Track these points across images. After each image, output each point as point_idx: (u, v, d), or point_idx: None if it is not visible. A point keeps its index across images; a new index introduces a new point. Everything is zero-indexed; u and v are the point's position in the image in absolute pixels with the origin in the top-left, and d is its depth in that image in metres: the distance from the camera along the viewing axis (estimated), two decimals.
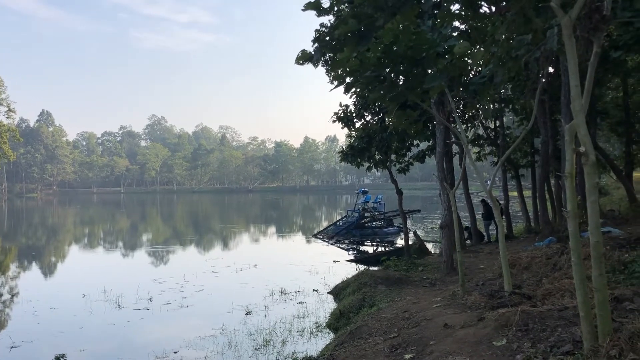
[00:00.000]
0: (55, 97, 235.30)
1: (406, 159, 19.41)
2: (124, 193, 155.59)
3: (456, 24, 7.02)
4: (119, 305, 13.75)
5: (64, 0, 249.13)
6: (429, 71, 7.10)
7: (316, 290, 14.65)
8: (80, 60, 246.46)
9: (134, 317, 12.68)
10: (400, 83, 7.49)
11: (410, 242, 17.98)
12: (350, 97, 17.15)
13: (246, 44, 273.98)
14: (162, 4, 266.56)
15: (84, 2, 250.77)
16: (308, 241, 29.01)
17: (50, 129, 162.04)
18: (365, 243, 26.82)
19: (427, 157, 19.79)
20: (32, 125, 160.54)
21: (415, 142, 19.16)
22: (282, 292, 14.50)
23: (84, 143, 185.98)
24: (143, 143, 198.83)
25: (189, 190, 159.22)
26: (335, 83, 7.33)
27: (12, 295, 16.20)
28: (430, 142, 18.34)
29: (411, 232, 20.02)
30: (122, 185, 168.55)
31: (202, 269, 19.23)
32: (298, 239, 31.41)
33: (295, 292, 14.51)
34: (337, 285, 14.46)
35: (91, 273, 20.34)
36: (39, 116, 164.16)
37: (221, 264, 20.43)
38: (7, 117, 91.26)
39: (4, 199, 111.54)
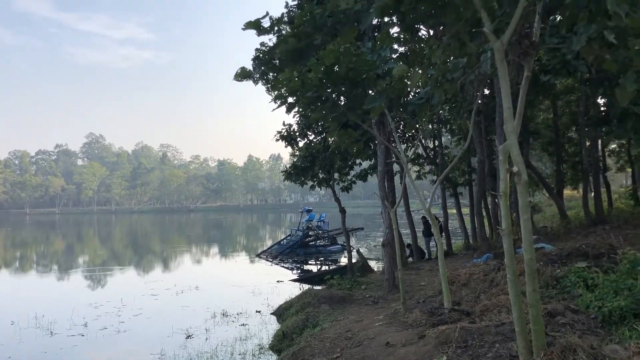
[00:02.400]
0: None
1: (349, 177, 19.61)
2: (60, 214, 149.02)
3: (395, 46, 7.19)
4: (51, 332, 13.07)
5: None
6: (370, 92, 7.22)
7: (259, 312, 14.43)
8: (10, 75, 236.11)
9: (67, 344, 12.06)
10: (342, 103, 7.56)
11: (353, 260, 18.05)
12: (294, 117, 17.24)
13: (185, 61, 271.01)
14: (96, 20, 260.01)
15: (10, 15, 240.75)
16: (251, 261, 28.64)
17: None
18: (309, 262, 26.74)
19: (369, 175, 20.06)
20: None
21: (357, 161, 19.39)
22: (224, 314, 14.20)
23: (17, 162, 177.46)
24: (80, 162, 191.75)
25: (128, 211, 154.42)
26: (278, 102, 7.34)
27: None
28: (372, 161, 18.61)
29: (354, 250, 20.13)
30: (58, 205, 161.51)
31: (140, 291, 18.59)
32: (241, 259, 30.96)
33: (237, 314, 14.24)
34: (281, 305, 14.31)
35: (21, 299, 19.26)
36: None
37: (161, 286, 19.84)
38: None
39: None
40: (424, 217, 21.70)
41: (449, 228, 22.26)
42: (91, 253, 39.95)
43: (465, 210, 22.87)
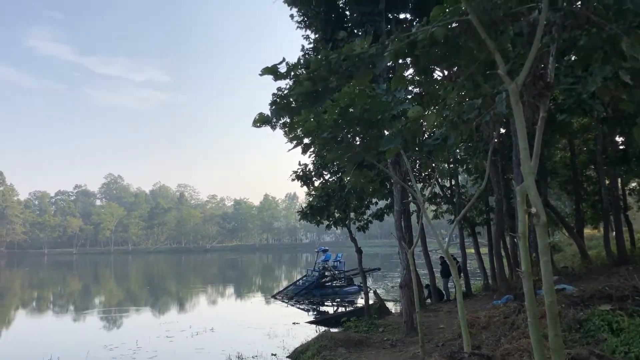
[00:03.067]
0: (7, 155, 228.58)
1: (365, 217, 19.53)
2: (77, 254, 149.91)
3: (410, 87, 7.25)
4: None
5: (14, 57, 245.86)
6: (385, 132, 7.25)
7: (275, 355, 14.21)
8: (32, 117, 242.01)
9: None
10: (357, 144, 7.60)
11: (370, 302, 17.80)
12: (309, 156, 17.35)
13: (201, 102, 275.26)
14: (116, 63, 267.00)
15: (34, 60, 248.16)
16: (267, 302, 28.38)
17: (1, 188, 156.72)
18: (326, 303, 26.42)
19: (385, 215, 19.96)
20: None
21: (373, 201, 19.34)
22: (239, 357, 14.00)
23: (36, 202, 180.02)
24: (98, 202, 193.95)
25: (145, 251, 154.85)
26: (294, 143, 7.39)
27: None
28: (389, 200, 18.55)
29: (371, 292, 19.88)
30: (75, 246, 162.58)
31: (156, 333, 18.46)
32: (257, 299, 30.71)
33: (253, 357, 14.03)
34: (297, 348, 14.07)
35: (37, 340, 19.22)
36: None
37: (176, 327, 19.69)
38: None
39: None
40: (442, 258, 21.43)
41: (468, 268, 21.95)
42: (107, 294, 39.95)
43: (484, 250, 22.58)
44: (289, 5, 17.56)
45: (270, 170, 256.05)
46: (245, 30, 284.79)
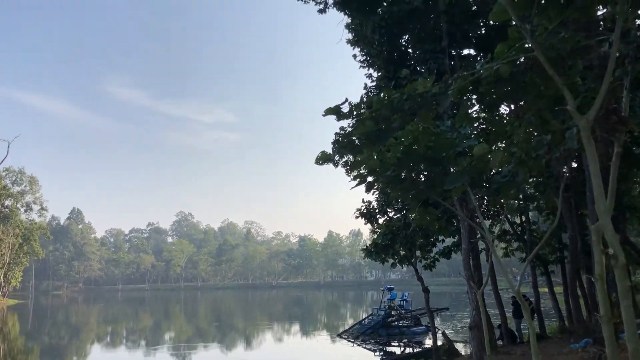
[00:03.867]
0: (85, 194, 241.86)
1: (432, 255, 19.08)
2: (149, 290, 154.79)
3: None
4: None
5: (92, 102, 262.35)
6: (451, 169, 7.14)
7: None
8: (108, 159, 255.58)
9: None
10: (421, 182, 7.52)
11: (439, 343, 17.23)
12: (373, 194, 17.26)
13: (268, 142, 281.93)
14: (188, 106, 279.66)
15: (113, 105, 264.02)
16: (333, 341, 28.05)
17: (80, 227, 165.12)
18: (392, 343, 25.78)
19: (453, 253, 19.43)
20: (62, 222, 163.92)
21: (440, 238, 18.91)
22: None
23: (112, 240, 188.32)
24: (170, 239, 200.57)
25: (214, 287, 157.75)
26: (356, 181, 7.40)
27: None
28: (456, 238, 18.09)
29: (440, 332, 19.26)
30: (147, 282, 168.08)
31: None
32: (322, 338, 30.43)
33: None
34: None
35: None
36: (69, 214, 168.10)
37: None
38: (40, 216, 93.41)
39: (31, 297, 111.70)
40: (513, 297, 20.53)
41: (542, 308, 20.88)
42: (177, 330, 40.79)
43: (559, 289, 21.48)
44: (351, 46, 17.90)
45: (335, 206, 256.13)
46: (310, 72, 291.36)
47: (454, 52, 15.56)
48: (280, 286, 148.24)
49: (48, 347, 30.14)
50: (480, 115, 6.39)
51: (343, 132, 5.46)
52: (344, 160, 5.98)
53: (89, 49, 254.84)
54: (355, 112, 5.13)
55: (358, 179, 7.41)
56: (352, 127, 5.72)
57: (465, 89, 4.91)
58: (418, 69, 15.34)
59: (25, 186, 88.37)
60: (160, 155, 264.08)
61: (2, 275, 79.26)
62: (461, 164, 6.62)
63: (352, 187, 7.70)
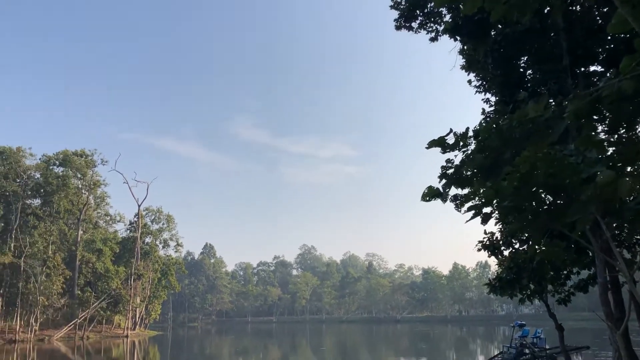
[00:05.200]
0: (215, 230, 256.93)
1: (566, 288, 17.55)
2: (276, 322, 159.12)
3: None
4: None
5: (220, 144, 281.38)
6: (576, 197, 6.54)
7: None
8: (233, 196, 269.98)
9: None
10: (543, 212, 6.97)
11: None
12: (495, 225, 16.35)
13: (385, 175, 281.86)
14: (306, 142, 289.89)
15: (237, 145, 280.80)
16: None
17: (212, 261, 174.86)
18: None
19: (590, 286, 17.75)
20: (196, 257, 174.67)
21: (575, 270, 17.39)
22: None
23: (241, 273, 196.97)
24: (294, 272, 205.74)
25: (338, 320, 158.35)
26: (471, 214, 7.03)
27: None
28: (592, 270, 16.52)
29: None
30: (275, 314, 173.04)
31: None
32: None
33: None
34: None
35: None
36: (202, 249, 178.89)
37: None
38: (176, 251, 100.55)
39: (169, 329, 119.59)
40: None
41: None
42: None
43: None
44: (466, 71, 17.39)
45: (458, 238, 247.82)
46: (425, 101, 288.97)
47: (577, 70, 14.52)
48: (405, 320, 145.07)
49: None
50: (608, 137, 5.81)
51: (450, 165, 5.20)
52: (452, 195, 5.69)
53: (218, 91, 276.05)
54: (461, 143, 4.88)
55: (473, 211, 7.03)
56: (461, 161, 5.42)
57: (583, 111, 4.48)
58: (538, 90, 14.49)
59: (163, 224, 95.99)
60: (281, 191, 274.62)
61: (144, 308, 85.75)
62: (587, 192, 6.03)
63: (467, 221, 7.31)
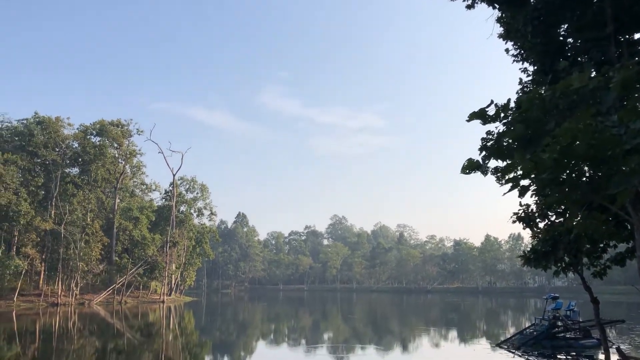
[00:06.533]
0: (248, 199, 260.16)
1: (602, 262, 17.30)
2: (307, 290, 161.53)
3: None
4: None
5: (250, 114, 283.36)
6: (618, 169, 6.44)
7: None
8: (266, 165, 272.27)
9: None
10: (583, 184, 6.90)
11: (612, 359, 15.60)
12: (531, 196, 16.14)
13: (415, 145, 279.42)
14: (335, 112, 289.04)
15: (266, 115, 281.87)
16: (493, 349, 26.80)
17: (245, 230, 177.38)
18: (558, 356, 23.92)
19: (627, 259, 17.46)
20: (229, 226, 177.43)
21: (612, 243, 17.10)
22: None
23: (273, 242, 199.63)
24: (325, 242, 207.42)
25: (368, 289, 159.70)
26: (509, 186, 7.00)
27: None
28: (630, 243, 16.23)
29: (614, 347, 17.43)
30: (306, 282, 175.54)
31: None
32: (480, 347, 29.21)
33: None
34: None
35: None
36: (235, 218, 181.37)
37: None
38: (210, 220, 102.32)
39: (203, 295, 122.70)
40: None
41: None
42: (334, 330, 41.99)
43: None
44: (503, 40, 16.96)
45: (491, 209, 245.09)
46: (461, 68, 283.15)
47: (622, 38, 14.01)
48: (436, 291, 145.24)
49: (219, 342, 32.95)
50: None
51: (491, 137, 5.15)
52: (493, 167, 5.64)
53: (249, 61, 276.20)
54: (502, 115, 4.83)
55: (511, 184, 7.00)
56: (501, 132, 5.36)
57: (631, 81, 4.39)
58: (579, 59, 14.06)
59: (197, 193, 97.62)
60: (311, 161, 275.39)
61: (179, 275, 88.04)
62: (630, 164, 5.94)
63: (505, 193, 7.30)
